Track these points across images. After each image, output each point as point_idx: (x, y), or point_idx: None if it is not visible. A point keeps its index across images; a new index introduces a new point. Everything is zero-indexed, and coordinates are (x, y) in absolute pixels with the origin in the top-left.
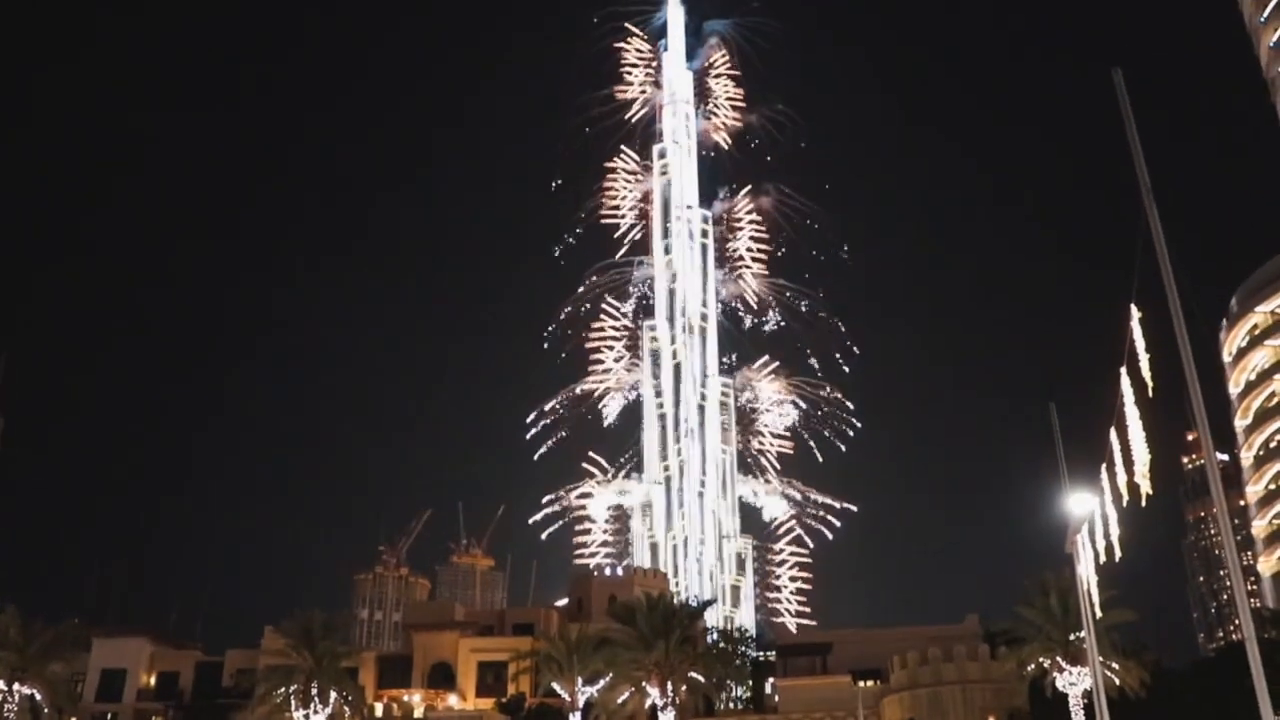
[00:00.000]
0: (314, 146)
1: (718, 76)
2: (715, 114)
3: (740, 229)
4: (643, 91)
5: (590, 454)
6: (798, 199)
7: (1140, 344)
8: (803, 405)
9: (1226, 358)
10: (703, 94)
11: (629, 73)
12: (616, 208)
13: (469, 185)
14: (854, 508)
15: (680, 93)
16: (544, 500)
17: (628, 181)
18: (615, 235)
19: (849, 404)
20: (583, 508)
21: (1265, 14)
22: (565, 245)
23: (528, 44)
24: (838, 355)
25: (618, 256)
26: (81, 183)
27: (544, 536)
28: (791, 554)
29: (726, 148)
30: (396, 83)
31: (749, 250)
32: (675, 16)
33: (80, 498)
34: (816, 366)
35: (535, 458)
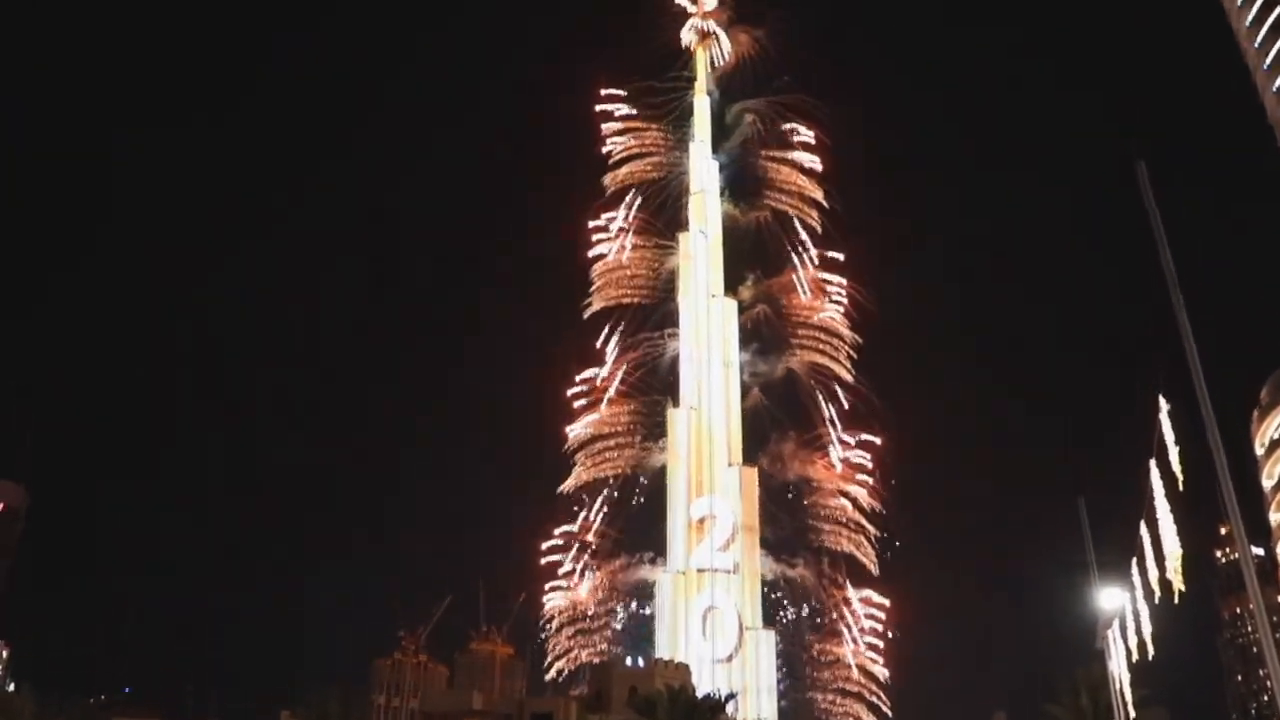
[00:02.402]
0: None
1: (750, 157)
2: (752, 196)
3: (779, 309)
4: (661, 173)
5: (610, 536)
6: (828, 280)
7: (1170, 436)
8: (850, 494)
9: (1259, 449)
10: (736, 174)
11: (646, 152)
12: (641, 287)
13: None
14: (896, 634)
15: (705, 181)
16: (544, 599)
17: (651, 260)
18: (633, 318)
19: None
20: (601, 604)
21: None
22: (589, 320)
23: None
24: (887, 480)
25: (643, 334)
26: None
27: (548, 632)
28: (864, 649)
29: (757, 228)
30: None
31: (787, 336)
32: (701, 104)
33: (98, 572)
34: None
35: (559, 573)
